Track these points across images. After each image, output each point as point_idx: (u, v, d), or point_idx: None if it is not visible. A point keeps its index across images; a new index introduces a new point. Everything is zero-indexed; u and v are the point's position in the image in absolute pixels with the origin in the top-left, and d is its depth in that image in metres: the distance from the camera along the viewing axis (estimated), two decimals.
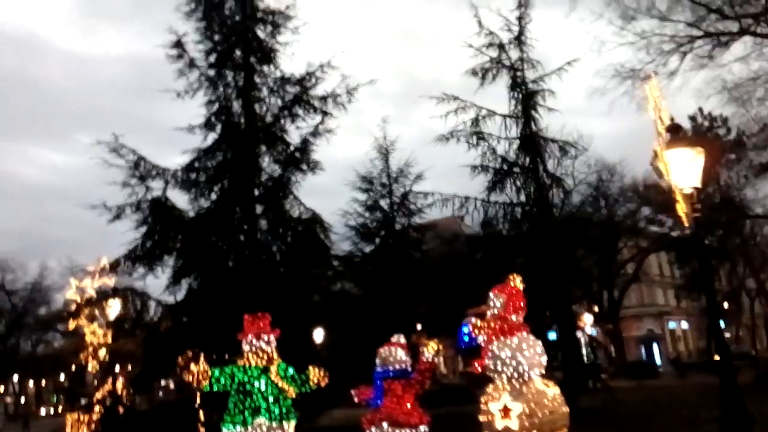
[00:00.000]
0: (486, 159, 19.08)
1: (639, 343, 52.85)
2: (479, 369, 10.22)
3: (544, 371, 9.83)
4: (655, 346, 51.27)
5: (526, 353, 9.74)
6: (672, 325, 59.16)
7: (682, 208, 7.75)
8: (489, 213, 18.89)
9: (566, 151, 19.06)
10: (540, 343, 10.21)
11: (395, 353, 11.63)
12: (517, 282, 10.31)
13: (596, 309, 37.20)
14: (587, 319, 32.12)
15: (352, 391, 12.14)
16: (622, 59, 32.66)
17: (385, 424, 11.06)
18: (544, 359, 9.95)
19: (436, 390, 14.10)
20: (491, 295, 10.35)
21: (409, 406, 11.27)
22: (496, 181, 18.73)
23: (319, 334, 22.40)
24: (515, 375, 9.68)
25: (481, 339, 10.33)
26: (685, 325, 60.06)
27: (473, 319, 10.57)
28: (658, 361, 43.52)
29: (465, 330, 10.70)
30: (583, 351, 31.58)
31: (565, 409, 9.58)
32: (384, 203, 21.94)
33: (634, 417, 14.75)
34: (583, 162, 20.61)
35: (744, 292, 48.06)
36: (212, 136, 17.97)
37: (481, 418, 9.84)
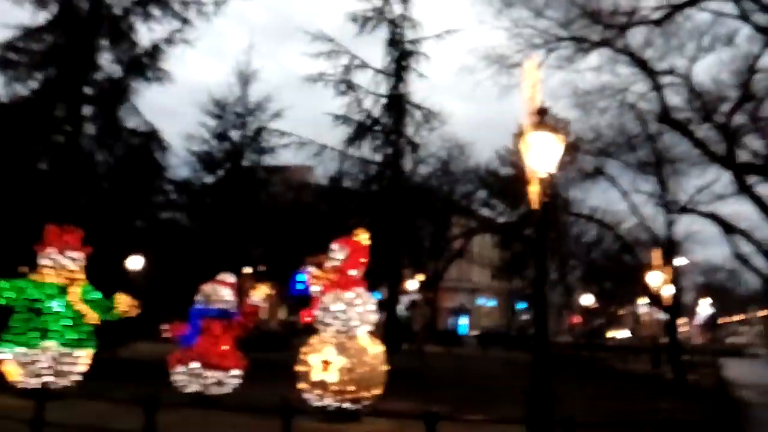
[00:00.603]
0: (351, 111, 18.59)
1: (451, 313, 56.62)
2: (308, 319, 9.84)
3: (372, 329, 9.73)
4: (463, 319, 55.25)
5: (359, 309, 9.50)
6: (481, 301, 64.37)
7: (534, 190, 7.76)
8: (344, 166, 18.54)
9: (428, 120, 19.13)
10: (374, 300, 10.09)
11: (220, 291, 10.84)
12: (362, 238, 10.02)
13: (422, 277, 38.75)
14: (412, 286, 33.38)
15: (165, 326, 11.17)
16: (495, 43, 33.65)
17: (194, 364, 10.29)
18: (374, 317, 9.84)
19: (255, 335, 13.56)
20: (334, 246, 9.95)
21: (225, 348, 10.63)
22: (357, 135, 18.27)
23: (137, 262, 20.66)
24: (343, 329, 9.46)
25: (316, 289, 9.93)
26: (492, 302, 65.55)
27: (312, 269, 10.11)
28: (465, 332, 47.03)
29: (301, 278, 10.24)
30: (404, 315, 33.13)
31: (384, 368, 9.57)
32: (235, 134, 20.36)
33: (443, 380, 15.48)
34: (438, 135, 20.80)
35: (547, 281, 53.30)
36: (44, 15, 15.24)
37: (299, 368, 9.50)
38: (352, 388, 8.97)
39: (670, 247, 26.99)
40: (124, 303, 10.34)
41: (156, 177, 16.23)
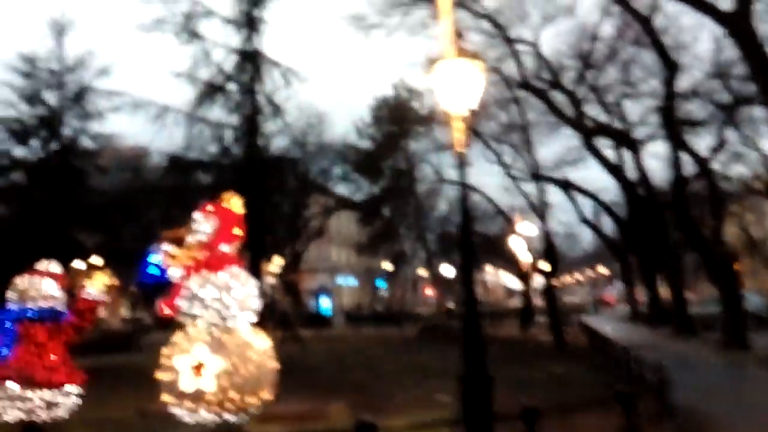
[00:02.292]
0: (198, 67, 15.86)
1: (312, 295, 55.13)
2: (168, 312, 7.62)
3: (254, 318, 7.76)
4: (325, 299, 54.10)
5: (237, 294, 7.50)
6: (340, 280, 63.64)
7: (458, 128, 6.28)
8: (193, 132, 15.81)
9: (287, 81, 17.06)
10: (254, 281, 8.09)
11: (40, 285, 8.18)
12: (234, 203, 7.95)
13: (281, 260, 36.69)
14: (273, 269, 31.29)
15: None
16: (359, 3, 32.36)
17: (11, 384, 7.64)
18: (257, 303, 7.87)
19: (92, 336, 10.89)
20: (196, 216, 7.78)
21: (53, 358, 8.04)
22: (208, 94, 15.64)
23: None
24: (218, 321, 7.40)
25: (176, 273, 7.72)
26: (352, 281, 65.12)
27: (167, 247, 7.86)
28: (328, 313, 45.73)
29: (154, 259, 7.93)
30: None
31: (273, 364, 7.70)
32: (50, 97, 16.37)
33: (330, 367, 13.86)
34: (294, 104, 18.65)
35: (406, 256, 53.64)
36: None
37: (163, 376, 7.32)
38: (234, 395, 6.99)
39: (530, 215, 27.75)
40: None
41: None
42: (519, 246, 25.54)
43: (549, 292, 18.74)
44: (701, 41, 27.44)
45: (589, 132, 25.30)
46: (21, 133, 16.28)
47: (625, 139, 27.11)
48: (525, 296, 29.08)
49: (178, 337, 7.35)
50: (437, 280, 47.54)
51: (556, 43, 34.54)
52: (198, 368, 7.01)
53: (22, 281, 7.93)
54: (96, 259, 15.62)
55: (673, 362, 11.57)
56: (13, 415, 7.57)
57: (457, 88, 6.65)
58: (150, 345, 23.33)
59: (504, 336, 23.32)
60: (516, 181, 29.15)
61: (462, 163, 6.68)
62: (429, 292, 75.24)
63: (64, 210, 15.79)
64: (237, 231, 7.82)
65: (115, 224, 16.55)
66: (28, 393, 7.61)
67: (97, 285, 8.25)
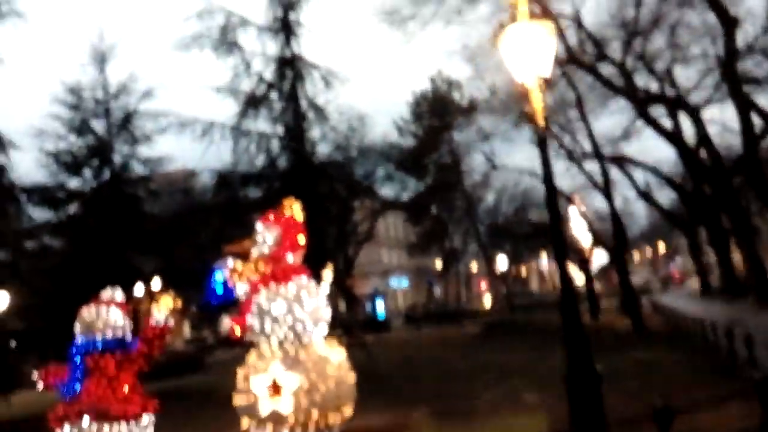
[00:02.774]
0: (239, 79, 15.62)
1: (366, 299, 54.84)
2: (238, 333, 7.21)
3: (327, 330, 7.29)
4: (380, 302, 53.75)
5: (307, 306, 7.07)
6: (393, 282, 63.27)
7: (535, 102, 5.61)
8: (240, 143, 15.54)
9: (329, 82, 16.68)
10: (323, 290, 7.63)
11: (106, 315, 7.91)
12: (295, 210, 7.51)
13: (333, 267, 36.26)
14: (327, 276, 30.98)
15: (36, 373, 8.04)
16: None
17: (87, 419, 7.39)
18: (328, 313, 7.41)
19: (160, 361, 10.68)
20: (259, 227, 7.37)
21: (126, 389, 7.74)
22: (251, 105, 15.35)
23: (2, 299, 16.83)
24: (290, 336, 6.95)
25: (242, 289, 7.33)
26: (405, 282, 64.67)
27: (231, 262, 7.48)
28: (383, 316, 45.26)
29: (218, 276, 7.55)
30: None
31: (352, 378, 7.23)
32: (98, 125, 16.60)
33: (400, 373, 13.29)
34: (335, 107, 18.19)
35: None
36: None
37: (239, 400, 6.91)
38: (316, 414, 6.53)
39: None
40: None
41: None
42: (580, 228, 24.44)
43: (622, 271, 17.65)
44: None
45: (643, 101, 24.06)
46: (73, 164, 16.40)
47: (682, 105, 25.73)
48: (589, 281, 27.85)
49: (251, 356, 6.95)
50: (492, 273, 46.47)
51: (597, 15, 33.21)
52: (275, 389, 6.59)
53: (88, 313, 7.62)
54: (155, 284, 15.55)
55: None
56: None
57: (529, 55, 6.01)
58: (215, 364, 23.44)
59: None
60: (572, 161, 28.05)
61: (542, 141, 6.03)
62: (483, 286, 74.12)
63: (120, 237, 15.77)
64: (301, 239, 7.37)
65: (170, 247, 16.45)
66: (105, 428, 7.31)
67: (164, 309, 7.86)
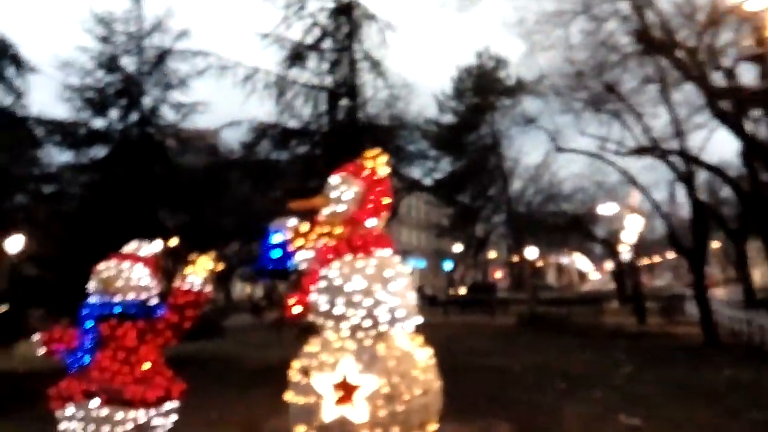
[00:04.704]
0: (289, 21, 13.85)
1: None
2: (297, 310, 5.60)
3: (418, 320, 5.63)
4: None
5: (391, 287, 5.44)
6: (411, 263, 62.16)
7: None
8: (285, 93, 13.86)
9: (384, 37, 14.91)
10: (409, 271, 5.99)
11: (129, 273, 6.31)
12: (380, 164, 5.84)
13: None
14: None
15: (37, 336, 6.49)
16: None
17: (95, 401, 5.86)
18: (414, 299, 5.76)
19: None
20: (335, 179, 5.72)
21: (146, 366, 6.17)
22: (301, 51, 13.63)
23: (16, 242, 15.73)
24: (367, 324, 5.31)
25: (306, 256, 5.69)
26: (422, 263, 63.44)
27: (292, 221, 5.84)
28: None
29: (276, 239, 5.89)
30: None
31: (438, 382, 5.61)
32: (129, 62, 14.83)
33: (444, 372, 11.76)
34: (388, 65, 16.39)
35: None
36: None
37: (297, 399, 5.28)
38: (397, 429, 4.91)
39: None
40: None
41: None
42: (635, 224, 22.64)
43: (698, 275, 15.79)
44: None
45: (717, 94, 21.93)
46: (98, 102, 14.78)
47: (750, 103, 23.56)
48: (637, 281, 26.02)
49: (312, 346, 5.34)
50: (520, 261, 44.66)
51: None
52: (347, 390, 4.99)
53: (106, 268, 6.02)
54: (179, 242, 14.08)
55: None
56: None
57: None
58: (231, 330, 22.17)
59: (617, 327, 20.58)
60: (618, 154, 26.05)
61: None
62: (498, 274, 72.27)
63: (147, 187, 14.29)
64: (386, 200, 5.71)
65: (201, 203, 14.92)
66: (117, 414, 5.75)
67: (200, 271, 6.19)
